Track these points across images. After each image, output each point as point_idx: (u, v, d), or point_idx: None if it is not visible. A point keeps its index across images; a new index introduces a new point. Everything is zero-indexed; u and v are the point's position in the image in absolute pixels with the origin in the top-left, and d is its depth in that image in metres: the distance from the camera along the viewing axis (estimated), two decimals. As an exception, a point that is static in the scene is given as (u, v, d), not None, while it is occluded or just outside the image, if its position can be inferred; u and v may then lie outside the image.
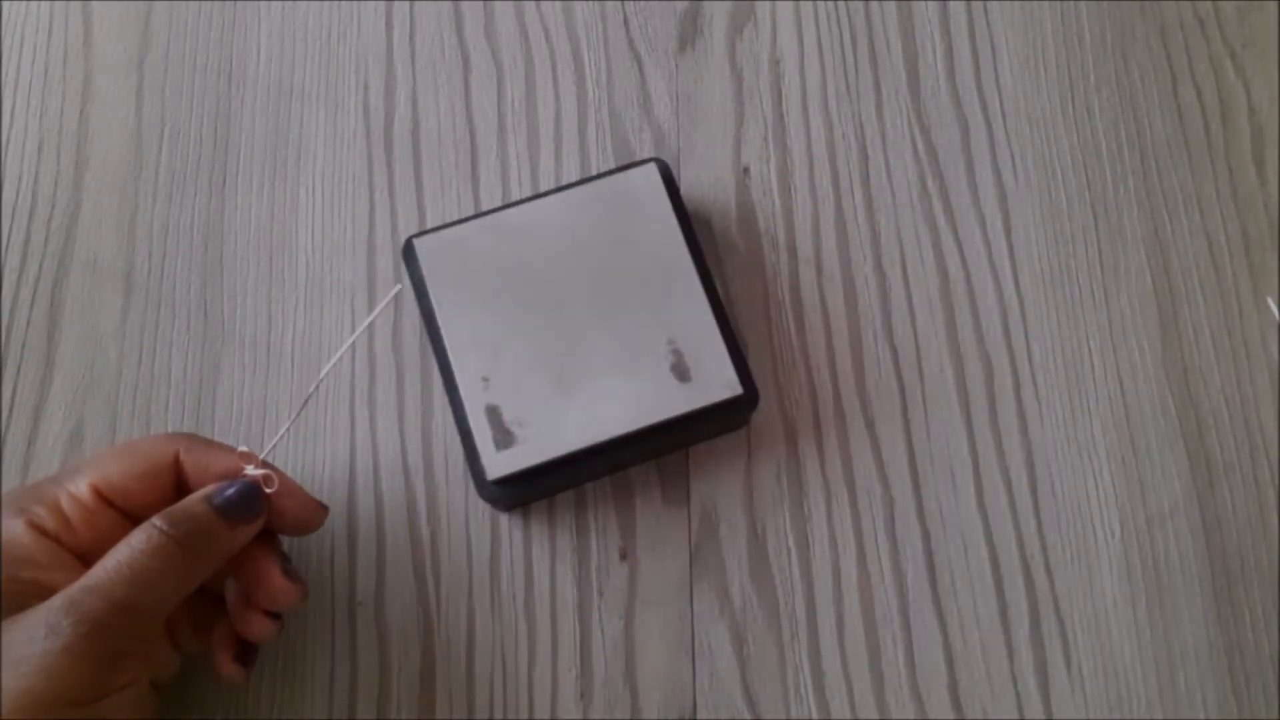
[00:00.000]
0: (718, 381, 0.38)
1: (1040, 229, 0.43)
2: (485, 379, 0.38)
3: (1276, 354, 0.42)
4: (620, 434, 0.37)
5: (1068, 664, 0.38)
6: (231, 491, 0.33)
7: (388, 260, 0.43)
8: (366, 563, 0.40)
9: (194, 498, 0.33)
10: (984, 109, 0.45)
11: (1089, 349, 0.42)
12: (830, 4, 0.47)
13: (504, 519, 0.40)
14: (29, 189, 0.45)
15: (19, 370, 0.42)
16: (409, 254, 0.40)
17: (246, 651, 0.35)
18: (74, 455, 0.41)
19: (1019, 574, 0.39)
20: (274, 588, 0.34)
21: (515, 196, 0.44)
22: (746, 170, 0.44)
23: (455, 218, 0.42)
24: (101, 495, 0.33)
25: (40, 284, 0.43)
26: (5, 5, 0.47)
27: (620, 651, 0.39)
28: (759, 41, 0.46)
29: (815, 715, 0.38)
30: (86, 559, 0.32)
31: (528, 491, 0.39)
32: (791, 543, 0.40)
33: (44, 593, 0.30)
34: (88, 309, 0.43)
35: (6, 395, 0.42)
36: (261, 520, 0.34)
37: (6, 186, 0.45)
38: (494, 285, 0.39)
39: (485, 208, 0.43)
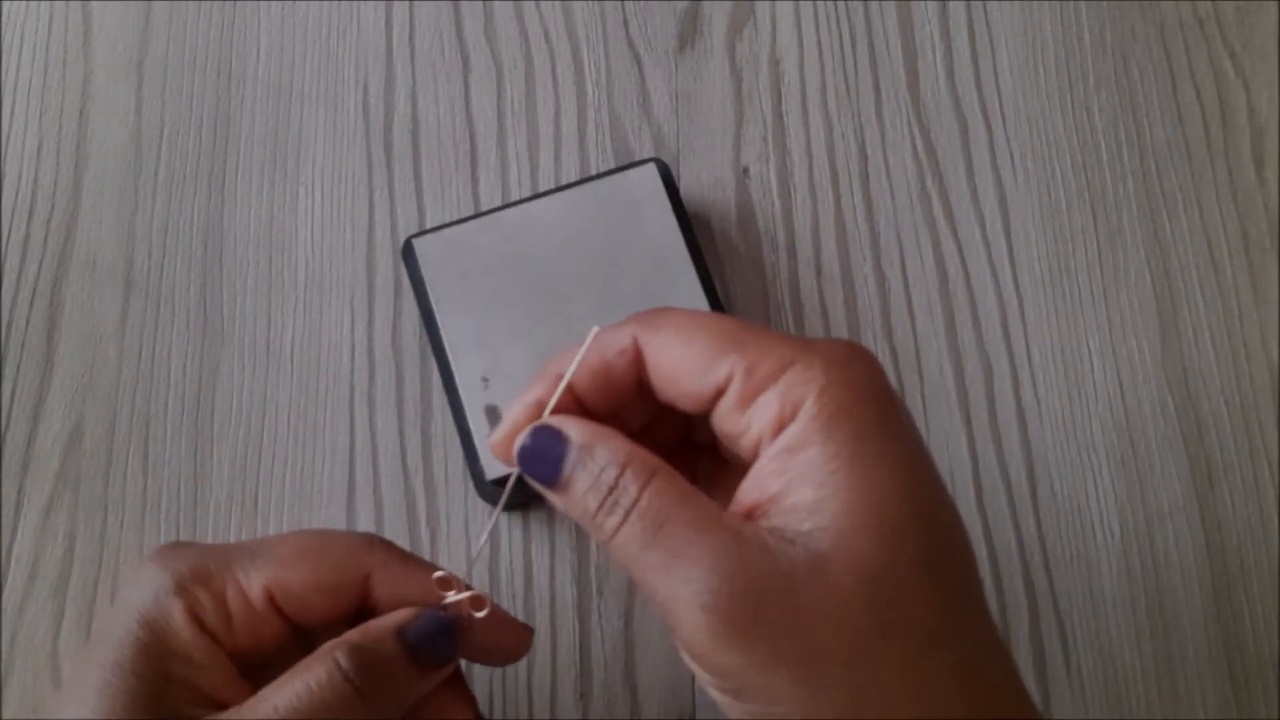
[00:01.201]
0: (717, 381, 0.38)
1: (1040, 229, 0.43)
2: (485, 379, 0.38)
3: (1276, 354, 0.42)
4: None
5: (1068, 664, 0.38)
6: (426, 625, 0.28)
7: (387, 260, 0.43)
8: (366, 563, 0.40)
9: (383, 629, 0.28)
10: (984, 109, 0.45)
11: (1089, 349, 0.42)
12: (830, 4, 0.47)
13: (504, 519, 0.40)
14: (29, 189, 0.45)
15: (19, 370, 0.42)
16: (408, 254, 0.40)
17: None
18: (74, 456, 0.41)
19: (1019, 574, 0.39)
20: None
21: (515, 196, 0.44)
22: (746, 170, 0.44)
23: (455, 218, 0.42)
24: (274, 602, 0.28)
25: (40, 284, 0.43)
26: (5, 5, 0.47)
27: (620, 651, 0.39)
28: (759, 41, 0.46)
29: (815, 715, 0.38)
30: (238, 663, 0.28)
31: (528, 491, 0.38)
32: (791, 543, 0.40)
33: (195, 699, 0.27)
34: (88, 309, 0.43)
35: (6, 395, 0.42)
36: (453, 665, 0.29)
37: (6, 186, 0.45)
38: (494, 285, 0.39)
39: (485, 208, 0.43)
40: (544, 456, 0.26)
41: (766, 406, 0.25)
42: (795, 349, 0.26)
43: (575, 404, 0.28)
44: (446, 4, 0.47)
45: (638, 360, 0.27)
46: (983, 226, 0.44)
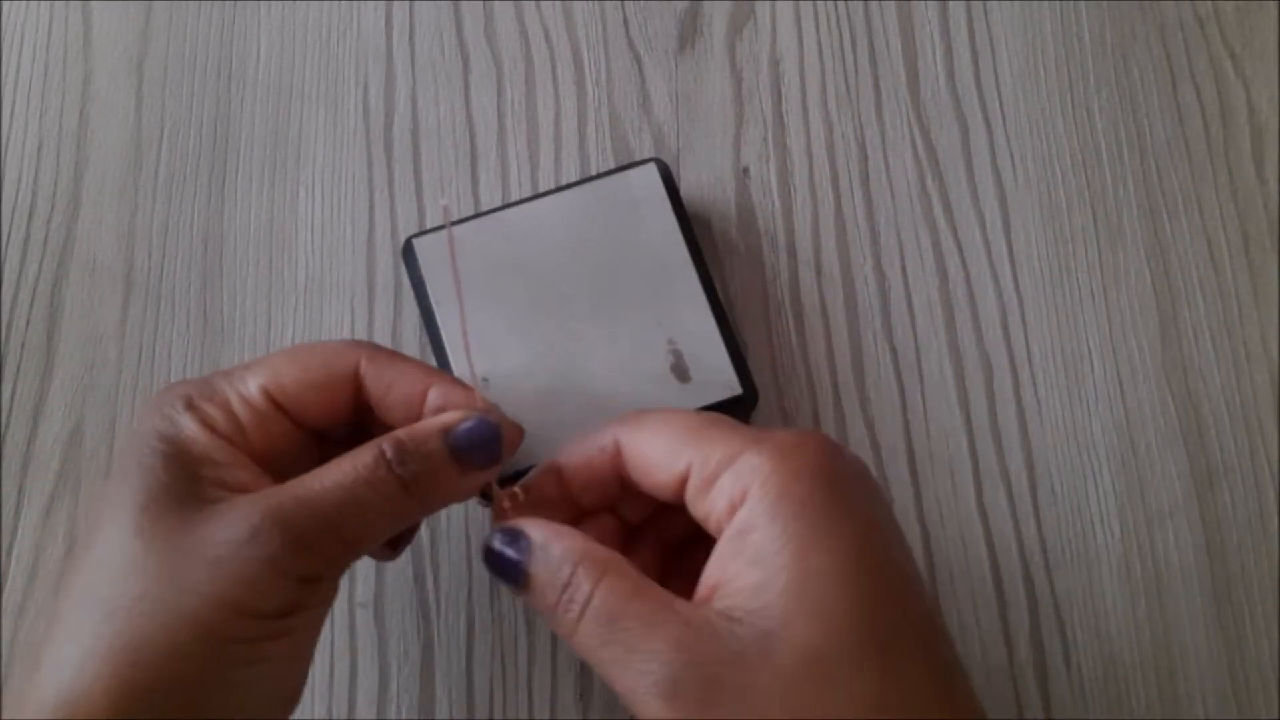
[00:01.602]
0: (717, 381, 0.38)
1: (1040, 229, 0.43)
2: (485, 379, 0.38)
3: (1276, 354, 0.42)
4: (620, 434, 0.37)
5: (1068, 664, 0.38)
6: (472, 430, 0.30)
7: (387, 260, 0.43)
8: (366, 563, 0.40)
9: (430, 429, 0.30)
10: (984, 109, 0.45)
11: (1089, 349, 0.42)
12: (830, 4, 0.47)
13: (504, 519, 0.40)
14: (29, 189, 0.45)
15: (19, 370, 0.42)
16: (409, 254, 0.40)
17: (400, 536, 0.34)
18: (74, 456, 0.41)
19: (1019, 574, 0.39)
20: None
21: (515, 196, 0.44)
22: (746, 170, 0.44)
23: (455, 218, 0.42)
24: (274, 401, 0.30)
25: (40, 284, 0.43)
26: (5, 5, 0.47)
27: (620, 651, 0.39)
28: (759, 41, 0.46)
29: (815, 715, 0.38)
30: (261, 466, 0.30)
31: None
32: (791, 543, 0.40)
33: (228, 491, 0.28)
34: (88, 309, 0.43)
35: (6, 395, 0.42)
36: (495, 471, 0.31)
37: (6, 186, 0.45)
38: (494, 285, 0.39)
39: (485, 208, 0.43)
40: (508, 559, 0.29)
41: (721, 493, 0.28)
42: (747, 439, 0.28)
43: (567, 499, 0.31)
44: (446, 4, 0.47)
45: (617, 457, 0.30)
46: (983, 226, 0.44)
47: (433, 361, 0.41)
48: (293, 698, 0.30)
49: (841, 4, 0.47)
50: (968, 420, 0.41)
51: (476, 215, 0.41)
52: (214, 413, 0.30)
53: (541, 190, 0.43)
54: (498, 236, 0.40)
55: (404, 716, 0.38)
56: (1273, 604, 0.39)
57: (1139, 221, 0.44)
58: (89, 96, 0.46)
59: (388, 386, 0.31)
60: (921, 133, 0.45)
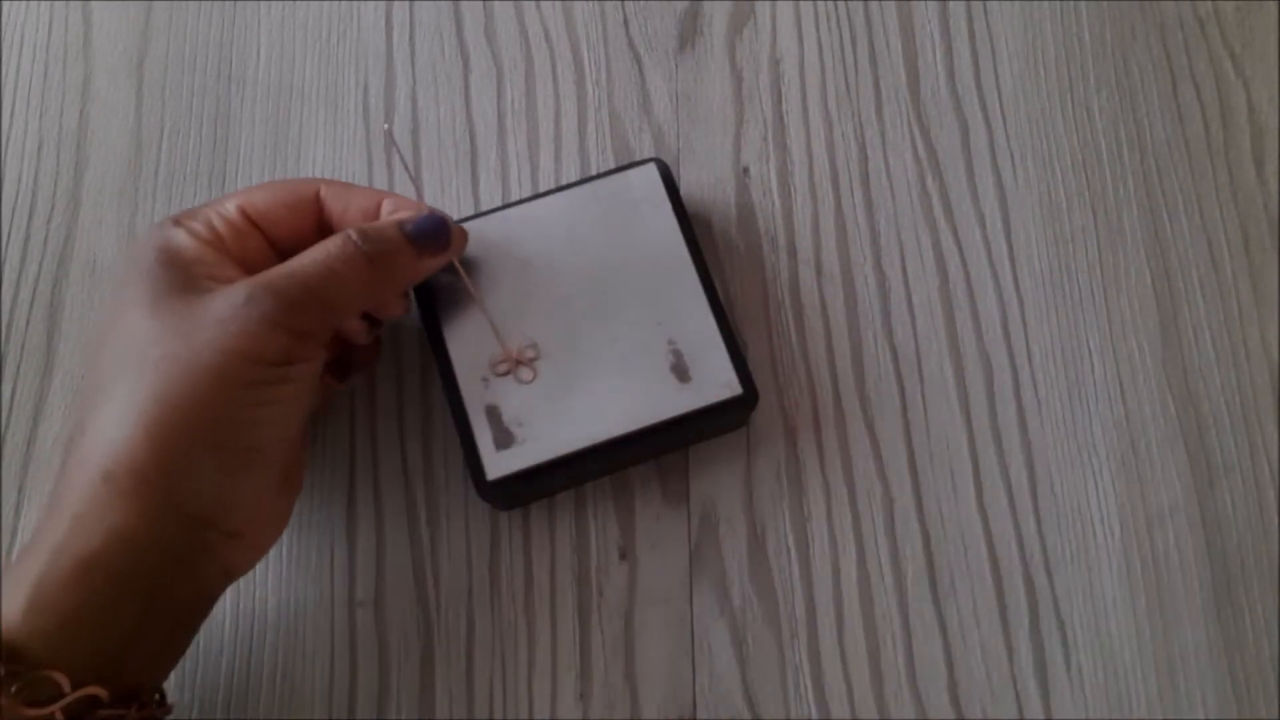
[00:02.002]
0: (718, 381, 0.38)
1: (1040, 229, 0.43)
2: (485, 379, 0.38)
3: (1276, 354, 0.42)
4: (620, 434, 0.37)
5: (1067, 664, 0.38)
6: (423, 221, 0.36)
7: (388, 260, 0.43)
8: (366, 563, 0.40)
9: (387, 222, 0.35)
10: (984, 109, 0.45)
11: (1089, 349, 0.42)
12: (830, 4, 0.47)
13: (504, 519, 0.40)
14: (29, 189, 0.45)
15: (19, 370, 0.42)
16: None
17: (346, 365, 0.39)
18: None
19: (1019, 574, 0.39)
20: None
21: (515, 196, 0.44)
22: (746, 170, 0.44)
23: (455, 218, 0.42)
24: (248, 217, 0.35)
25: (40, 284, 0.43)
26: (5, 5, 0.47)
27: (620, 651, 0.39)
28: (759, 41, 0.46)
29: (815, 715, 0.38)
30: (243, 269, 0.34)
31: (528, 491, 0.39)
32: (791, 542, 0.40)
33: (219, 283, 0.33)
34: (88, 309, 0.43)
35: (6, 395, 0.42)
36: (447, 256, 0.37)
37: (6, 186, 0.45)
38: (494, 285, 0.39)
39: (485, 208, 0.43)
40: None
41: None
42: None
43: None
44: (446, 4, 0.47)
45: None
46: (983, 226, 0.44)
47: (433, 363, 0.41)
48: (296, 465, 0.36)
49: (841, 4, 0.47)
50: (968, 420, 0.41)
51: (476, 215, 0.41)
52: (198, 227, 0.34)
53: (541, 190, 0.43)
54: (498, 236, 0.40)
55: (404, 716, 0.38)
56: (1273, 604, 0.39)
57: (1139, 221, 0.44)
58: (89, 96, 0.46)
59: (346, 204, 0.36)
60: (921, 133, 0.45)
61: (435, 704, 0.38)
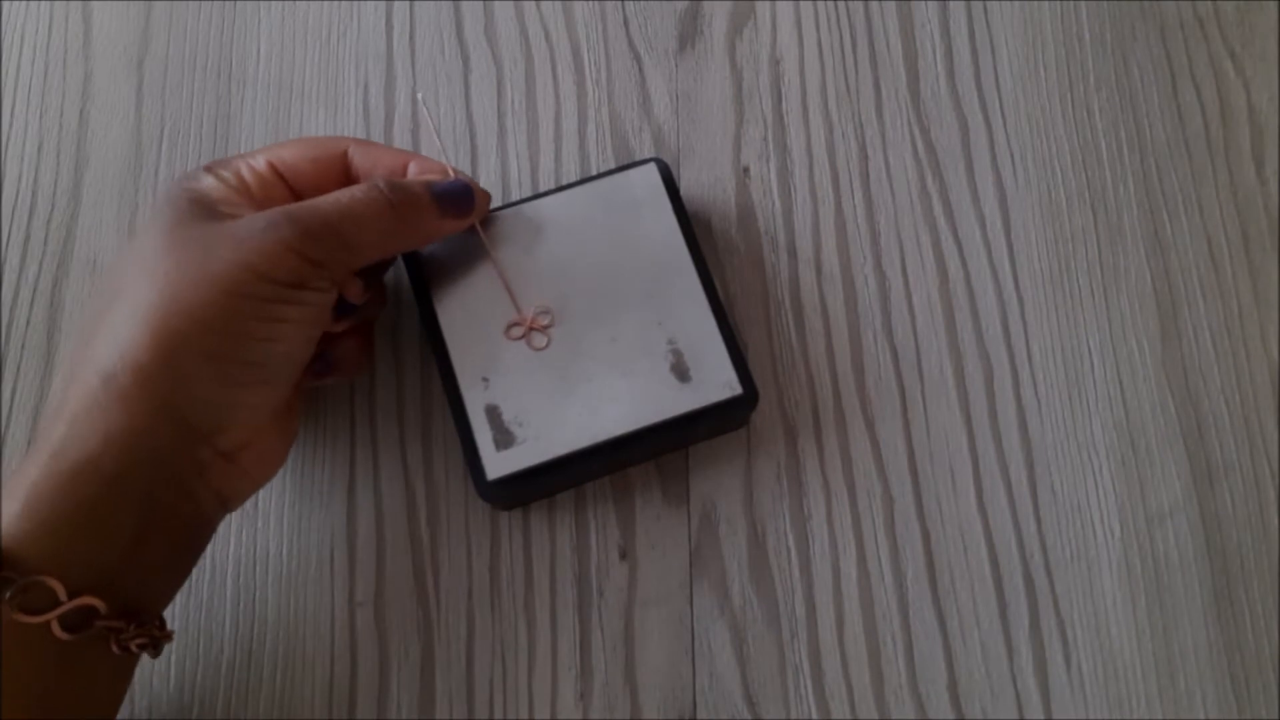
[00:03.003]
0: (718, 381, 0.38)
1: (1040, 229, 0.43)
2: (485, 379, 0.38)
3: (1276, 354, 0.42)
4: (620, 434, 0.37)
5: (1067, 664, 0.38)
6: (450, 184, 0.37)
7: (388, 260, 0.43)
8: (366, 563, 0.40)
9: (416, 179, 0.37)
10: (984, 109, 0.45)
11: (1089, 349, 0.42)
12: (830, 4, 0.47)
13: (504, 519, 0.40)
14: (29, 189, 0.45)
15: (19, 370, 0.42)
16: (409, 253, 0.40)
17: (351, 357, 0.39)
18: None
19: (1019, 574, 0.39)
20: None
21: (515, 196, 0.44)
22: (746, 170, 0.44)
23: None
24: (277, 170, 0.36)
25: (40, 284, 0.43)
26: (5, 5, 0.47)
27: (620, 651, 0.39)
28: (759, 41, 0.46)
29: (815, 715, 0.38)
30: None
31: (528, 491, 0.39)
32: (791, 542, 0.40)
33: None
34: (88, 309, 0.43)
35: (6, 395, 0.42)
36: (469, 220, 0.38)
37: (6, 186, 0.45)
38: (494, 285, 0.39)
39: (485, 208, 0.43)
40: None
41: None
42: None
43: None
44: (446, 4, 0.47)
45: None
46: (983, 226, 0.44)
47: (433, 363, 0.41)
48: (293, 408, 0.36)
49: (841, 4, 0.47)
50: (968, 420, 0.41)
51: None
52: (228, 175, 0.35)
53: (541, 190, 0.43)
54: (498, 236, 0.40)
55: (404, 716, 0.38)
56: (1273, 604, 0.39)
57: (1139, 221, 0.44)
58: (89, 96, 0.46)
59: (374, 162, 0.37)
60: (921, 132, 0.45)
61: (435, 704, 0.38)
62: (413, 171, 0.38)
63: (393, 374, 0.42)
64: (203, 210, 0.33)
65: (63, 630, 0.29)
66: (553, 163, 0.45)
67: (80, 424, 0.30)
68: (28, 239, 0.44)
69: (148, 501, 0.31)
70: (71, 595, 0.29)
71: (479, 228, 0.39)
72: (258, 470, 0.35)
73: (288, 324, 0.33)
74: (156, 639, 0.32)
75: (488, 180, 0.44)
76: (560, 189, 0.41)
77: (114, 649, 0.31)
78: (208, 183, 0.35)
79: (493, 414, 0.38)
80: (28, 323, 0.43)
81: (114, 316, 0.31)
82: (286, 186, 0.36)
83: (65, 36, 0.47)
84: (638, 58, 0.46)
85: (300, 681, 0.38)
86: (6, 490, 0.30)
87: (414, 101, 0.45)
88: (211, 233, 0.32)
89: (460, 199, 0.37)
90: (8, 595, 0.28)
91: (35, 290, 0.43)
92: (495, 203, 0.44)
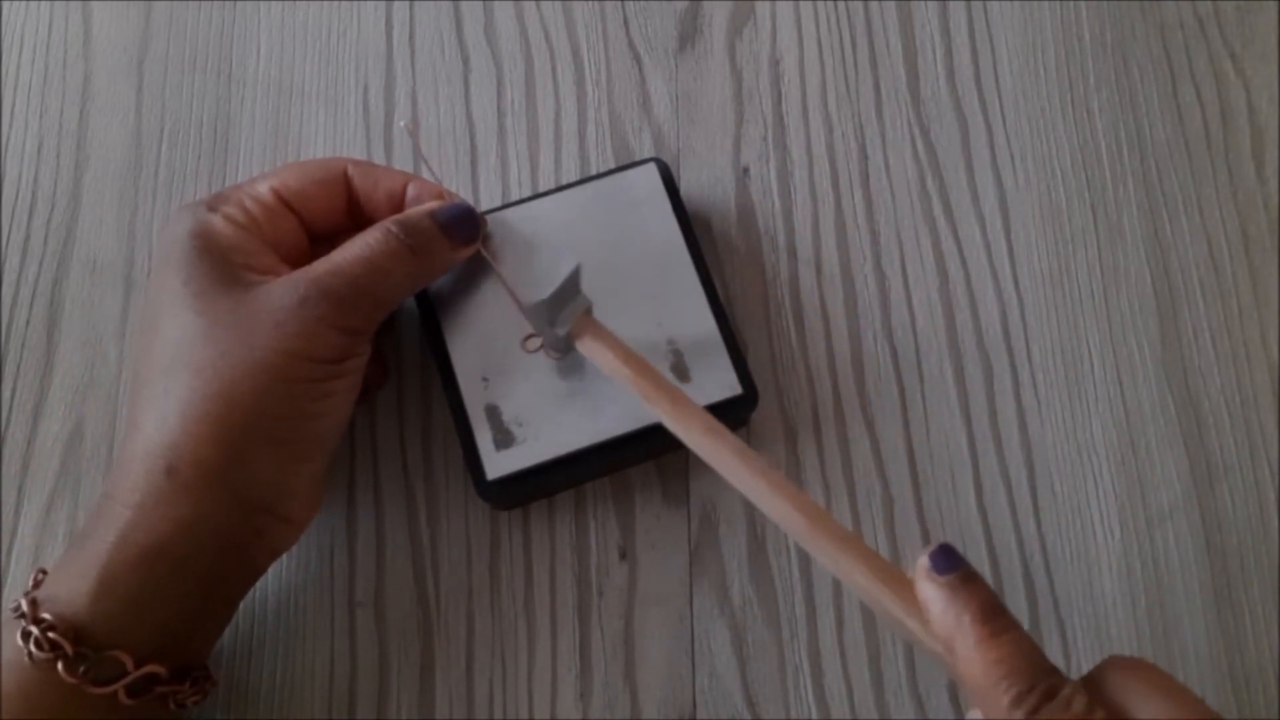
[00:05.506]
0: (717, 381, 0.38)
1: (1040, 229, 0.43)
2: (485, 379, 0.38)
3: (1276, 354, 0.42)
4: (620, 434, 0.37)
5: (1068, 664, 0.38)
6: (452, 210, 0.37)
7: (388, 260, 0.43)
8: (366, 563, 0.40)
9: (418, 212, 0.36)
10: (984, 109, 0.45)
11: (1089, 349, 0.42)
12: (830, 4, 0.47)
13: (504, 519, 0.40)
14: (29, 189, 0.45)
15: (19, 370, 0.42)
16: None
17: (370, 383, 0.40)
18: (74, 456, 0.41)
19: (1019, 574, 0.39)
20: None
21: (515, 196, 0.44)
22: (746, 170, 0.44)
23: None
24: (281, 198, 0.36)
25: (40, 284, 0.43)
26: (5, 5, 0.47)
27: (620, 651, 0.39)
28: (759, 41, 0.46)
29: (815, 715, 0.38)
30: (277, 253, 0.36)
31: (527, 491, 0.39)
32: (791, 543, 0.40)
33: (258, 275, 0.34)
34: (88, 309, 0.43)
35: (6, 395, 0.42)
36: (475, 246, 0.37)
37: (6, 186, 0.45)
38: (494, 285, 0.39)
39: (485, 208, 0.43)
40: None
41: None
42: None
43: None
44: (446, 4, 0.47)
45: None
46: (983, 226, 0.44)
47: (433, 363, 0.41)
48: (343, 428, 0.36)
49: (841, 4, 0.47)
50: (968, 420, 0.41)
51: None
52: (233, 210, 0.35)
53: (541, 190, 0.43)
54: (498, 236, 0.40)
55: (404, 717, 0.38)
56: (1273, 604, 0.39)
57: (1139, 221, 0.44)
58: (89, 96, 0.46)
59: (375, 183, 0.37)
60: (921, 133, 0.45)
61: (435, 704, 0.38)
62: (412, 193, 0.37)
63: (393, 374, 0.42)
64: (218, 267, 0.33)
65: (127, 697, 0.31)
66: (552, 163, 0.45)
67: (146, 512, 0.32)
68: (28, 239, 0.44)
69: (211, 575, 0.33)
70: (137, 665, 0.31)
71: (484, 249, 0.38)
72: (305, 516, 0.36)
73: (338, 396, 0.34)
74: (206, 692, 0.34)
75: (488, 180, 0.44)
76: (560, 189, 0.41)
77: (171, 707, 0.33)
78: (214, 226, 0.34)
79: (493, 414, 0.38)
80: (28, 323, 0.43)
81: (163, 408, 0.32)
82: (293, 213, 0.37)
83: (65, 36, 0.47)
84: (638, 58, 0.46)
85: (300, 682, 0.38)
86: (76, 569, 0.31)
87: (412, 110, 0.45)
88: (246, 312, 0.33)
89: (466, 224, 0.37)
90: (81, 670, 0.30)
91: (35, 290, 0.43)
92: (495, 203, 0.44)
